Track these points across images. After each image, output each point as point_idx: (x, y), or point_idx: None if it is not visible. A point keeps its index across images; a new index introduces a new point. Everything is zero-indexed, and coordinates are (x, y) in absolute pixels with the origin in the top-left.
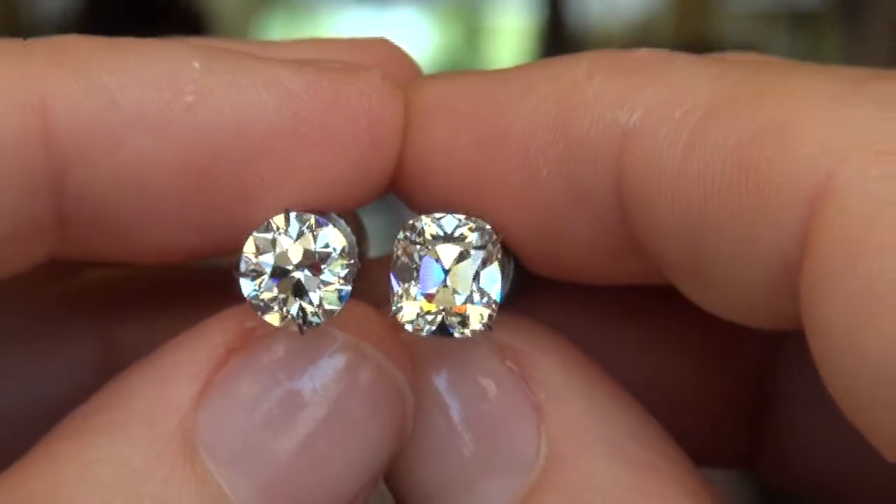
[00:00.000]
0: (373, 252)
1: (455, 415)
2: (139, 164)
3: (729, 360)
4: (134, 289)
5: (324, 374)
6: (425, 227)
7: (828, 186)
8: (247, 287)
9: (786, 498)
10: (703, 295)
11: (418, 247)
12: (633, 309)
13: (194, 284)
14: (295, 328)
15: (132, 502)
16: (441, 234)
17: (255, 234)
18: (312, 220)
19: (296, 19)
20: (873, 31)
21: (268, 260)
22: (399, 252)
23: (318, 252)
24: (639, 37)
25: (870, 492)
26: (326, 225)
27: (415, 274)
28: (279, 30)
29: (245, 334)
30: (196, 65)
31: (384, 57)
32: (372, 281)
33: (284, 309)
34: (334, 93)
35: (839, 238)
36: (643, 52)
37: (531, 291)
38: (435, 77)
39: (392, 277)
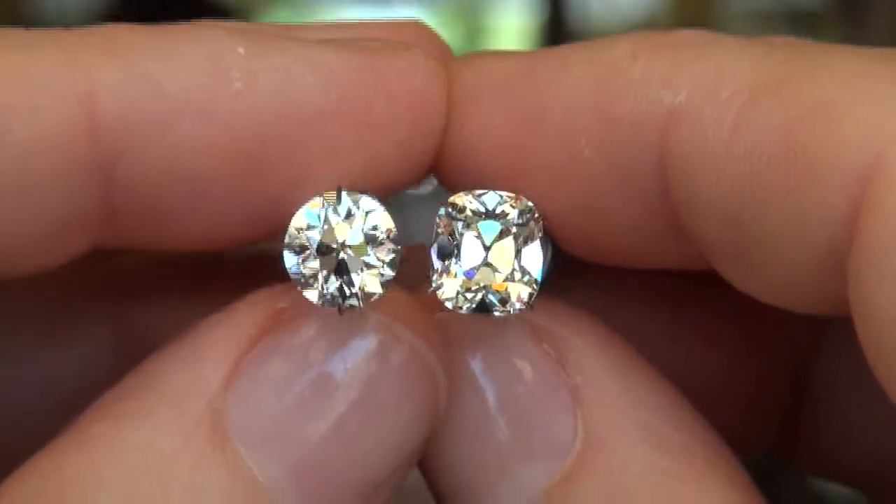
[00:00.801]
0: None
1: (490, 398)
2: (187, 151)
3: (766, 347)
4: (154, 274)
5: (355, 356)
6: (467, 204)
7: (878, 167)
8: (290, 260)
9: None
10: (746, 278)
11: (459, 223)
12: (671, 295)
13: (216, 271)
14: (333, 308)
15: (162, 486)
16: (482, 210)
17: (305, 207)
18: (363, 200)
19: (295, 19)
20: (873, 31)
21: (314, 235)
22: (440, 228)
23: (367, 233)
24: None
25: None
26: (377, 207)
27: (455, 251)
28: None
29: (275, 316)
30: (241, 50)
31: (417, 38)
32: (406, 266)
33: (324, 287)
34: (378, 73)
35: (890, 219)
36: (686, 33)
37: (568, 274)
38: (476, 56)
39: (432, 254)
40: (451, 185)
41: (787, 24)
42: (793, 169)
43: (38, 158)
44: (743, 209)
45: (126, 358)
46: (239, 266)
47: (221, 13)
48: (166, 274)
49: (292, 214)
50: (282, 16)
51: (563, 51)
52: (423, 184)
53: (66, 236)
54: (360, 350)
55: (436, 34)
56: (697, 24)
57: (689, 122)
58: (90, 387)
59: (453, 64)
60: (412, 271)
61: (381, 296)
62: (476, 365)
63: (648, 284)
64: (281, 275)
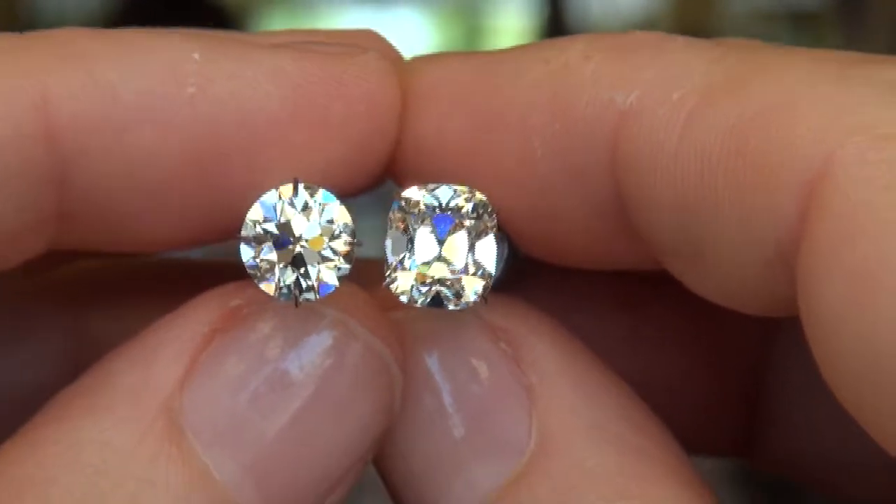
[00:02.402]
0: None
1: (446, 396)
2: (142, 157)
3: (722, 348)
4: (107, 279)
5: (310, 352)
6: (420, 198)
7: (826, 169)
8: (246, 253)
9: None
10: (698, 279)
11: (412, 217)
12: (626, 296)
13: (169, 274)
14: (289, 301)
15: (117, 483)
16: (435, 204)
17: (261, 199)
18: (319, 193)
19: (295, 19)
20: (873, 31)
21: (270, 228)
22: (393, 223)
23: (323, 226)
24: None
25: (864, 480)
26: (333, 200)
27: (409, 245)
28: (279, 29)
29: (230, 313)
30: (196, 55)
31: (370, 45)
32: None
33: (281, 280)
34: (333, 77)
35: (837, 221)
36: (639, 34)
37: (525, 275)
38: (430, 58)
39: (386, 248)
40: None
41: (787, 24)
42: (742, 171)
43: None
44: (693, 211)
45: (81, 362)
46: (195, 272)
47: (221, 16)
48: (121, 278)
49: (249, 207)
50: (280, 17)
51: (517, 51)
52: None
53: (20, 239)
54: (316, 346)
55: (387, 41)
56: (697, 24)
57: (641, 123)
58: (44, 391)
59: (409, 66)
60: (368, 269)
61: (336, 288)
62: (433, 363)
63: (606, 286)
64: (236, 275)
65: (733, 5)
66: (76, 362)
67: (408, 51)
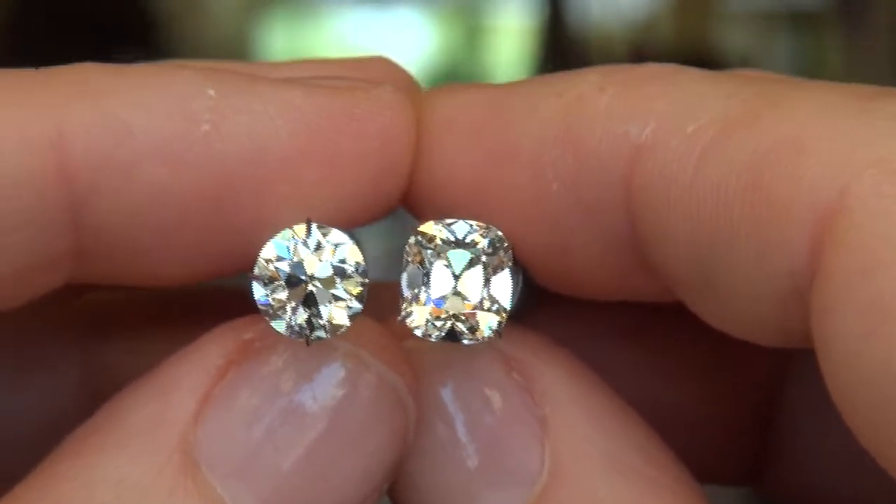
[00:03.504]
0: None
1: (459, 426)
2: (155, 194)
3: (734, 378)
4: (121, 308)
5: (324, 385)
6: (436, 233)
7: (840, 204)
8: (258, 291)
9: None
10: (712, 311)
11: (429, 252)
12: (640, 326)
13: (184, 303)
14: (300, 339)
15: None
16: (452, 239)
17: (274, 239)
18: (332, 233)
19: (296, 19)
20: (873, 31)
21: (283, 267)
22: (409, 257)
23: (335, 266)
24: (639, 37)
25: None
26: (346, 240)
27: (425, 279)
28: (280, 30)
29: (244, 346)
30: (211, 92)
31: (385, 75)
32: (373, 301)
33: (292, 318)
34: (346, 112)
35: (851, 255)
36: (653, 67)
37: (539, 306)
38: (443, 91)
39: (402, 282)
40: (423, 218)
41: (787, 24)
42: (757, 204)
43: (6, 201)
44: (708, 245)
45: (95, 394)
46: (207, 302)
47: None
48: (135, 311)
49: (261, 246)
50: (281, 18)
51: (531, 84)
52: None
53: (35, 276)
54: (329, 378)
55: (402, 69)
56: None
57: (656, 157)
58: (58, 423)
59: (422, 98)
60: (382, 303)
61: (347, 328)
62: (446, 393)
63: (618, 316)
64: (249, 308)
65: (733, 5)
66: (92, 393)
67: (408, 51)
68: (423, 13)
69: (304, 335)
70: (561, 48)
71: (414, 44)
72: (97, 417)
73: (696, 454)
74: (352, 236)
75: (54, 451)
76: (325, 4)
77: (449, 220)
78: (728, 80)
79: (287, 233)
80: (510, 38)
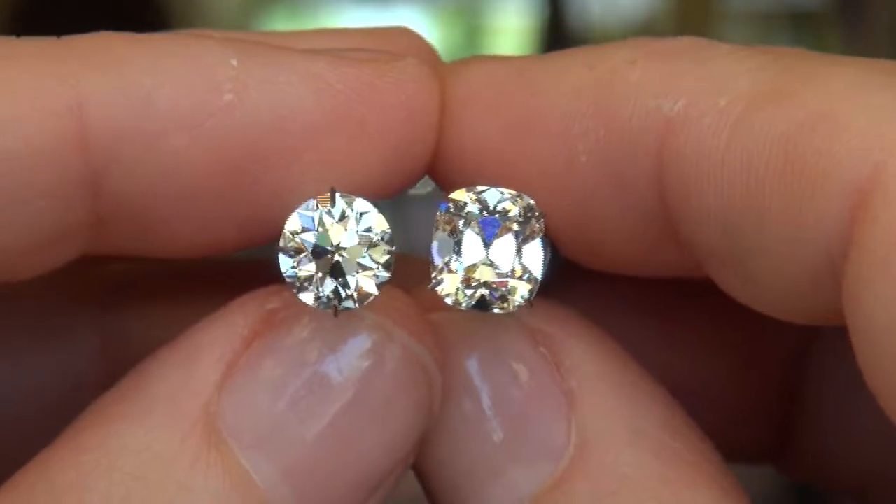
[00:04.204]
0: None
1: (485, 399)
2: (177, 164)
3: (760, 355)
4: (142, 278)
5: (350, 355)
6: (467, 201)
7: (876, 179)
8: (285, 263)
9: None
10: (742, 288)
11: (460, 220)
12: (667, 302)
13: (205, 273)
14: (329, 310)
15: (156, 489)
16: (483, 207)
17: (298, 210)
18: (357, 202)
19: (296, 17)
20: (873, 31)
21: (308, 238)
22: (440, 225)
23: (361, 235)
24: (639, 37)
25: None
26: (371, 209)
27: (456, 248)
28: (279, 28)
29: (268, 316)
30: (234, 62)
31: (407, 46)
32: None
33: (320, 289)
34: (371, 84)
35: (888, 229)
36: (686, 40)
37: (566, 279)
38: (470, 61)
39: (433, 250)
40: (448, 189)
41: (787, 24)
42: (790, 180)
43: (27, 171)
44: (740, 220)
45: (114, 364)
46: (227, 271)
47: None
48: (154, 280)
49: (286, 218)
50: (281, 16)
51: (560, 56)
52: (421, 184)
53: (55, 245)
54: (355, 349)
55: (425, 40)
56: (697, 24)
57: (687, 131)
58: (77, 393)
59: (448, 69)
60: (408, 273)
61: (376, 297)
62: (472, 366)
63: (644, 290)
64: (272, 277)
65: (733, 5)
66: (112, 362)
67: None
68: (423, 13)
69: (333, 306)
70: (561, 48)
71: None
72: (120, 386)
73: (720, 431)
74: (376, 205)
75: (77, 420)
76: (325, 4)
77: (480, 188)
78: (758, 54)
79: (311, 203)
80: (510, 38)
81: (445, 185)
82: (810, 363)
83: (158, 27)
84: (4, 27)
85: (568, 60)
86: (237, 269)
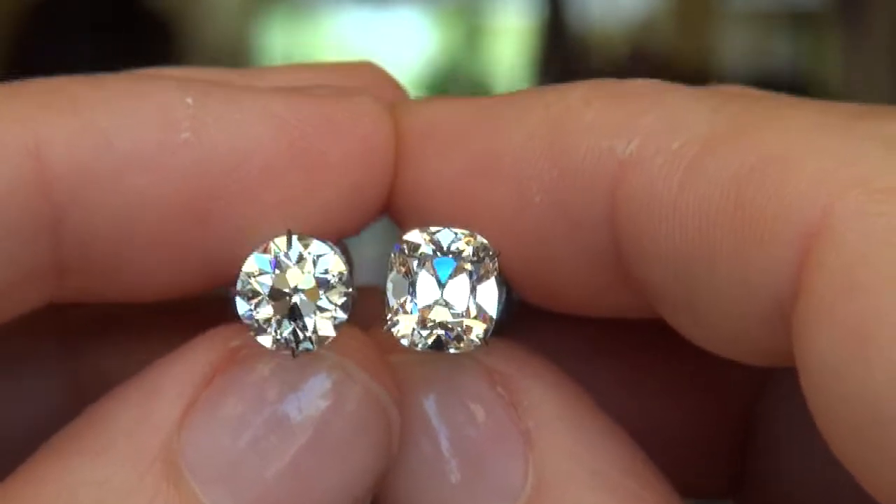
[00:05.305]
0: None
1: (443, 440)
2: (137, 204)
3: (715, 394)
4: (108, 317)
5: (310, 395)
6: (421, 242)
7: (824, 223)
8: (242, 306)
9: None
10: (695, 329)
11: (414, 261)
12: (623, 342)
13: (169, 310)
14: (287, 351)
15: None
16: (437, 248)
17: (255, 253)
18: (313, 244)
19: (295, 19)
20: (873, 31)
21: (266, 281)
22: (394, 266)
23: (318, 277)
24: (639, 37)
25: None
26: (328, 251)
27: (410, 288)
28: (279, 30)
29: (230, 354)
30: (189, 101)
31: (370, 81)
32: (359, 307)
33: (278, 332)
34: (327, 120)
35: (834, 275)
36: (640, 82)
37: (522, 320)
38: (428, 100)
39: (388, 292)
40: (406, 227)
41: (787, 24)
42: (740, 224)
43: None
44: (691, 262)
45: (80, 401)
46: (193, 308)
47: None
48: (120, 316)
49: (244, 258)
50: (280, 18)
51: (520, 95)
52: None
53: (19, 290)
54: (315, 389)
55: (389, 75)
56: (697, 24)
57: (640, 173)
58: (43, 430)
59: (407, 106)
60: (367, 312)
61: (333, 339)
62: (430, 406)
63: (601, 331)
64: (234, 316)
65: (733, 5)
66: (79, 398)
67: (408, 51)
68: (423, 13)
69: (291, 347)
70: (561, 48)
71: (414, 44)
72: (79, 421)
73: (677, 469)
74: (334, 246)
75: (35, 454)
76: (325, 4)
77: (434, 228)
78: (713, 96)
79: (268, 245)
80: (510, 38)
81: (402, 223)
82: (766, 400)
83: (159, 30)
84: (8, 38)
85: (527, 100)
86: (211, 305)
